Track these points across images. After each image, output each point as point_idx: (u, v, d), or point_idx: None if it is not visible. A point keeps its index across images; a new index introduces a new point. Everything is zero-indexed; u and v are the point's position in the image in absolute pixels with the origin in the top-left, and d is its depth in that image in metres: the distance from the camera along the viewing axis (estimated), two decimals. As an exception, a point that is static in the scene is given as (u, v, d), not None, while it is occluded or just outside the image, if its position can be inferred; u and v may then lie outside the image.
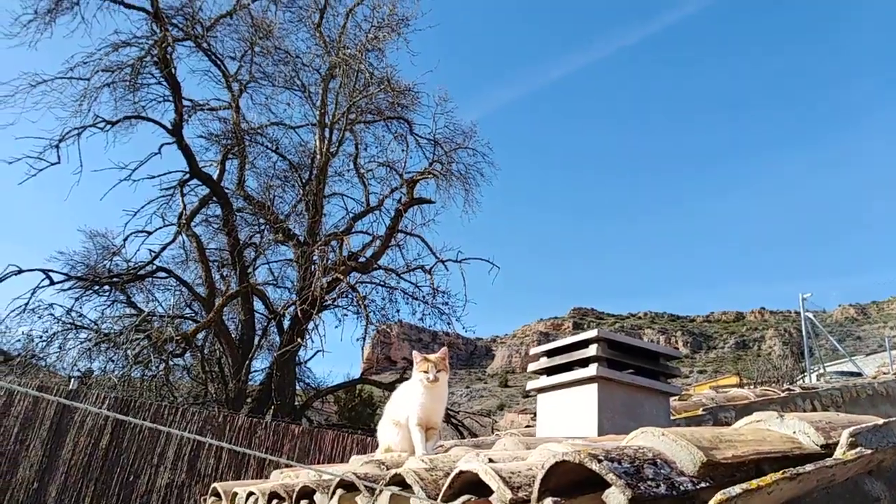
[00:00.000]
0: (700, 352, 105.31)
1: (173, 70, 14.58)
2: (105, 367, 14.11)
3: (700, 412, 4.54)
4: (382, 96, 16.33)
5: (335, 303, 16.36)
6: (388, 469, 2.02)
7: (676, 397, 4.67)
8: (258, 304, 16.41)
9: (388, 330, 18.99)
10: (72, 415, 9.27)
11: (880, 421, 1.38)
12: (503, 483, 1.42)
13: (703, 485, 1.23)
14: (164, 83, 14.83)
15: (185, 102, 15.16)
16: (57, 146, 13.56)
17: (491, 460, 1.78)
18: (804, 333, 17.68)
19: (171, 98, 14.88)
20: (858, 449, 1.26)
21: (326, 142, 16.09)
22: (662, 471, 1.24)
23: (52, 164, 13.55)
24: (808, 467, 1.18)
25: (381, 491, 1.83)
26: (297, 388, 16.39)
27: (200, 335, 15.81)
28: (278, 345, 15.50)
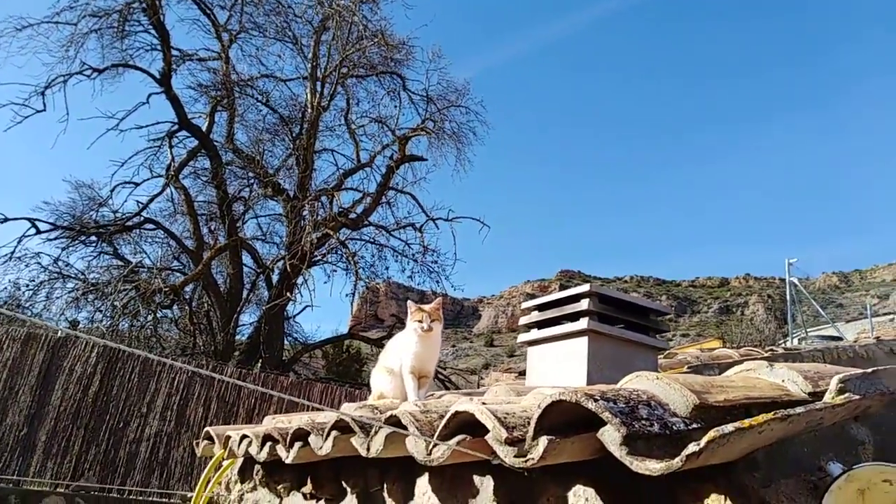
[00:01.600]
0: (684, 316, 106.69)
1: (162, 17, 14.21)
2: (92, 318, 14.14)
3: (685, 370, 4.62)
4: (376, 50, 16.05)
5: (324, 258, 16.39)
6: (381, 413, 2.04)
7: (663, 354, 4.75)
8: (247, 259, 16.42)
9: (377, 287, 19.06)
10: (60, 362, 9.30)
11: (869, 370, 1.42)
12: (499, 423, 1.44)
13: (694, 426, 1.25)
14: (153, 31, 14.46)
15: (174, 52, 14.84)
16: (43, 93, 13.34)
17: (484, 404, 1.80)
18: (788, 298, 17.92)
19: (159, 47, 14.53)
20: (847, 395, 1.29)
21: (318, 95, 15.83)
22: (656, 412, 1.27)
23: (38, 112, 13.35)
24: (799, 409, 1.21)
25: (377, 430, 1.86)
26: (286, 342, 16.50)
27: (188, 288, 15.81)
28: (267, 299, 15.53)
